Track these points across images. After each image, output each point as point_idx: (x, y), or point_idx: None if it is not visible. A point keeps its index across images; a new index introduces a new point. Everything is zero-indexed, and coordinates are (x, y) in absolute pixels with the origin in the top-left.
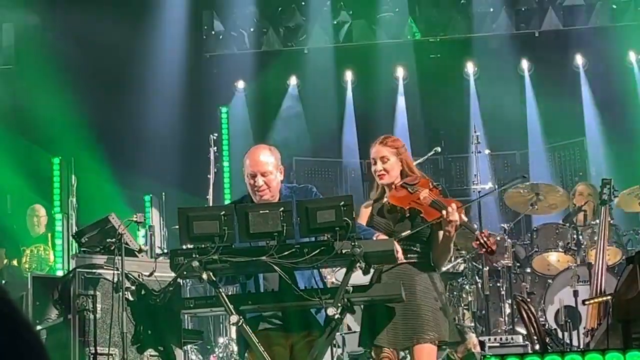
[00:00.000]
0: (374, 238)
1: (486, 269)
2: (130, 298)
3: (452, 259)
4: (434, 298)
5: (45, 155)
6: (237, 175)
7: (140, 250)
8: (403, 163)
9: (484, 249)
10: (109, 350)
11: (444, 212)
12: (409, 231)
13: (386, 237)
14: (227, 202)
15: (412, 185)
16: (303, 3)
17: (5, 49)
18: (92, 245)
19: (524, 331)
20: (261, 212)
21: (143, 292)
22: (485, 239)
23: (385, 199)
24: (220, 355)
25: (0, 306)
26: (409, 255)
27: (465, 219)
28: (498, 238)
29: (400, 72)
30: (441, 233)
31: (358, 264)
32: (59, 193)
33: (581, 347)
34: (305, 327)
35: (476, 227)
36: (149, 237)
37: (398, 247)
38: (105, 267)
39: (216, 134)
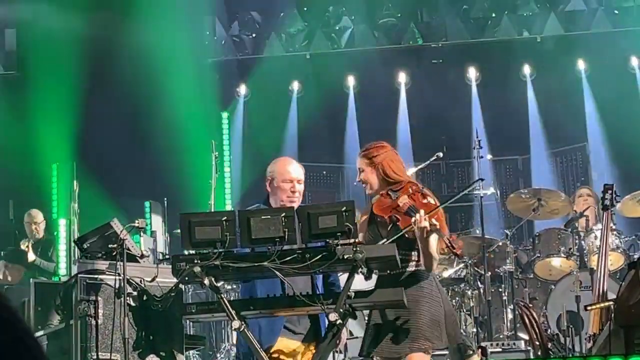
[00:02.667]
0: None
1: (488, 274)
2: (132, 304)
3: (454, 264)
4: (438, 304)
5: (46, 161)
6: (238, 181)
7: (142, 256)
8: (378, 170)
9: (451, 252)
10: (110, 356)
11: (413, 219)
12: (384, 240)
13: None
14: (228, 207)
15: (395, 192)
16: (305, 8)
17: (7, 55)
18: (94, 250)
19: (526, 336)
20: (263, 217)
21: (145, 297)
22: (451, 243)
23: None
24: None
25: (0, 311)
26: (405, 264)
27: (436, 224)
28: (460, 243)
29: (402, 77)
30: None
31: (360, 270)
32: (56, 199)
33: (583, 352)
34: (316, 334)
35: (447, 231)
36: (142, 243)
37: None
38: (107, 273)
39: (219, 140)
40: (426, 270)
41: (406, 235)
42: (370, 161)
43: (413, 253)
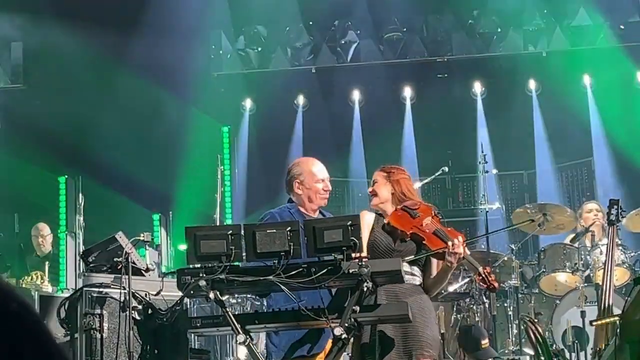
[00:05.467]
0: None
1: None
2: (137, 317)
3: (460, 278)
4: (431, 320)
5: (53, 174)
6: (243, 194)
7: (147, 269)
8: (394, 186)
9: (485, 285)
10: None
11: (449, 243)
12: (412, 256)
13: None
14: (229, 221)
15: (414, 210)
16: (310, 23)
17: (13, 67)
18: (99, 264)
19: (531, 351)
20: (268, 231)
21: (150, 311)
22: (487, 276)
23: (386, 220)
24: None
25: (29, 318)
26: (406, 277)
27: (468, 253)
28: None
29: (407, 91)
30: (441, 263)
31: (365, 284)
32: (65, 212)
33: None
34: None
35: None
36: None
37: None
38: (112, 286)
39: (221, 154)
40: (427, 292)
41: (434, 256)
42: (387, 175)
43: (418, 270)
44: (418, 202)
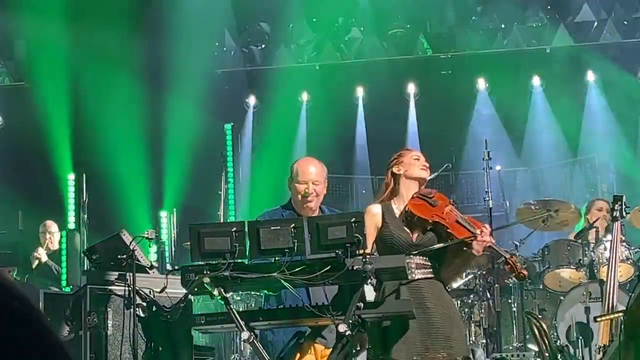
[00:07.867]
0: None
1: (497, 285)
2: (142, 314)
3: (464, 275)
4: (457, 311)
5: (57, 172)
6: (247, 192)
7: (152, 267)
8: None
9: (514, 274)
10: None
11: (477, 231)
12: (441, 244)
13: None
14: (232, 218)
15: (431, 198)
16: (314, 19)
17: (17, 66)
18: (104, 261)
19: (535, 348)
20: (272, 228)
21: (154, 308)
22: (515, 264)
23: (396, 206)
24: None
25: (30, 314)
26: (423, 270)
27: (494, 241)
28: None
29: (411, 88)
30: (458, 252)
31: (369, 281)
32: (74, 209)
33: None
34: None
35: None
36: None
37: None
38: (116, 284)
39: (224, 151)
40: (447, 282)
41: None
42: None
43: (433, 261)
44: (433, 190)
